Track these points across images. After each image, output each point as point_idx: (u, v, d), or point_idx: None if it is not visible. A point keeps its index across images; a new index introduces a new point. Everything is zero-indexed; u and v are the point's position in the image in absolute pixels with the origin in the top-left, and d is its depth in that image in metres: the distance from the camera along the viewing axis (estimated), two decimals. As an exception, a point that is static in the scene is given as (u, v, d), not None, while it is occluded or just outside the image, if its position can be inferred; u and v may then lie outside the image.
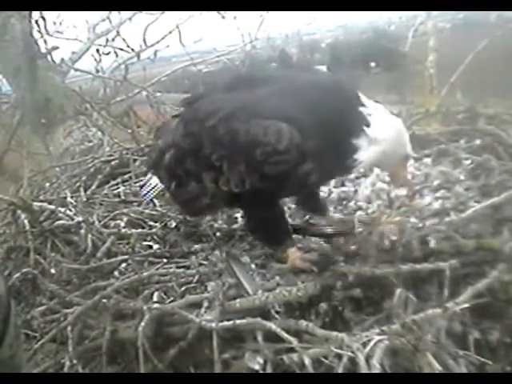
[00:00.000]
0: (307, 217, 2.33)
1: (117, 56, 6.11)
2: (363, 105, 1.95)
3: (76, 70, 6.06)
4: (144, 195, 2.56)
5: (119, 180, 3.32)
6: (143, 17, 6.29)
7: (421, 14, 5.77)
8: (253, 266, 2.14)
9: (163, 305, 2.01)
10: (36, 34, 5.43)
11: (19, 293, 2.45)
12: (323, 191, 2.71)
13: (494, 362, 1.72)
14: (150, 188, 2.49)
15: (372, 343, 1.62)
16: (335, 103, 1.92)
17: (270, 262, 2.16)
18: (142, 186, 2.64)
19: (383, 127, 1.96)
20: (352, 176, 2.69)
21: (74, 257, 2.55)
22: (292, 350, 1.71)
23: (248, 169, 1.85)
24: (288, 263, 2.08)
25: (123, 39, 6.00)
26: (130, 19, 6.29)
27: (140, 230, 2.65)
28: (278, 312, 1.88)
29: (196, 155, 1.97)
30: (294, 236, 2.20)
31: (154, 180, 2.44)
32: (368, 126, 1.91)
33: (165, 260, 2.36)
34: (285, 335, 1.72)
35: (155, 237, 2.60)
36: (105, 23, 6.31)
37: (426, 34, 5.34)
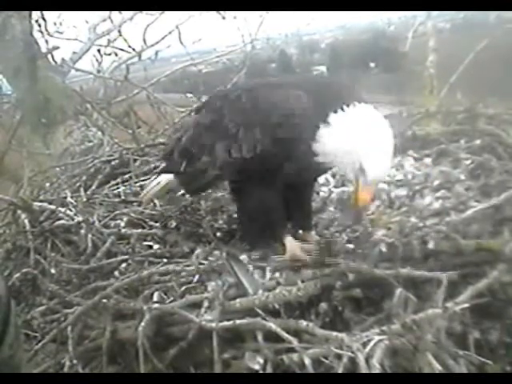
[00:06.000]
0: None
1: (116, 56, 6.12)
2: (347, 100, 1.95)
3: (77, 70, 6.05)
4: (146, 193, 2.64)
5: (119, 180, 3.32)
6: (143, 17, 6.29)
7: (420, 15, 5.75)
8: (250, 266, 2.14)
9: (163, 305, 2.01)
10: (36, 34, 5.44)
11: (19, 293, 2.45)
12: (323, 191, 2.71)
13: (493, 362, 1.72)
14: (153, 185, 2.59)
15: (372, 343, 1.62)
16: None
17: (269, 255, 2.16)
18: (141, 187, 2.69)
19: (344, 120, 1.91)
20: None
21: (74, 257, 2.55)
22: (292, 350, 1.71)
23: (262, 132, 1.98)
24: (287, 253, 2.09)
25: (124, 39, 6.00)
26: (130, 19, 6.29)
27: (140, 230, 2.65)
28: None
29: (213, 128, 2.14)
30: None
31: (161, 177, 2.57)
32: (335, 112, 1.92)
33: (165, 260, 2.36)
34: (285, 335, 1.72)
35: (155, 237, 2.60)
36: (105, 23, 6.32)
37: (425, 34, 5.33)
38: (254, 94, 2.08)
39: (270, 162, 2.01)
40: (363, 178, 1.88)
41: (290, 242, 2.14)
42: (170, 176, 2.49)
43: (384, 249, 2.01)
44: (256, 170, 2.04)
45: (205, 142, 2.17)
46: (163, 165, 2.67)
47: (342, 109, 1.92)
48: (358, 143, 1.88)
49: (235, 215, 2.62)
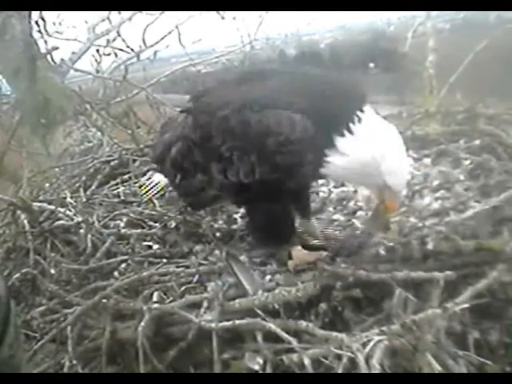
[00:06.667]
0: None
1: (116, 56, 6.12)
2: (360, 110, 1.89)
3: (76, 70, 6.05)
4: (145, 193, 2.58)
5: (119, 180, 3.33)
6: (143, 17, 6.29)
7: (420, 15, 5.76)
8: (251, 266, 2.13)
9: (163, 305, 2.01)
10: (36, 34, 5.44)
11: (19, 293, 2.45)
12: (323, 191, 2.71)
13: (493, 362, 1.72)
14: (151, 186, 2.53)
15: (372, 343, 1.62)
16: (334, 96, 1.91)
17: (270, 260, 2.16)
18: (141, 186, 2.67)
19: (360, 142, 1.86)
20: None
21: (74, 257, 2.55)
22: (292, 350, 1.71)
23: (259, 159, 1.87)
24: (294, 259, 2.08)
25: (123, 40, 6.00)
26: (129, 19, 6.29)
27: (140, 230, 2.65)
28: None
29: (204, 147, 2.01)
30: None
31: (156, 177, 2.49)
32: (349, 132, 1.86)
33: (164, 260, 2.36)
34: (284, 335, 1.72)
35: (155, 237, 2.60)
36: (104, 23, 6.32)
37: (425, 34, 5.34)
38: (243, 117, 1.87)
39: (270, 185, 1.92)
40: (388, 190, 1.91)
41: (297, 250, 2.12)
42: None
43: (383, 251, 2.02)
44: (255, 192, 1.96)
45: (197, 159, 2.05)
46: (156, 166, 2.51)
47: (349, 130, 1.85)
48: (375, 162, 1.86)
49: (235, 215, 2.63)
